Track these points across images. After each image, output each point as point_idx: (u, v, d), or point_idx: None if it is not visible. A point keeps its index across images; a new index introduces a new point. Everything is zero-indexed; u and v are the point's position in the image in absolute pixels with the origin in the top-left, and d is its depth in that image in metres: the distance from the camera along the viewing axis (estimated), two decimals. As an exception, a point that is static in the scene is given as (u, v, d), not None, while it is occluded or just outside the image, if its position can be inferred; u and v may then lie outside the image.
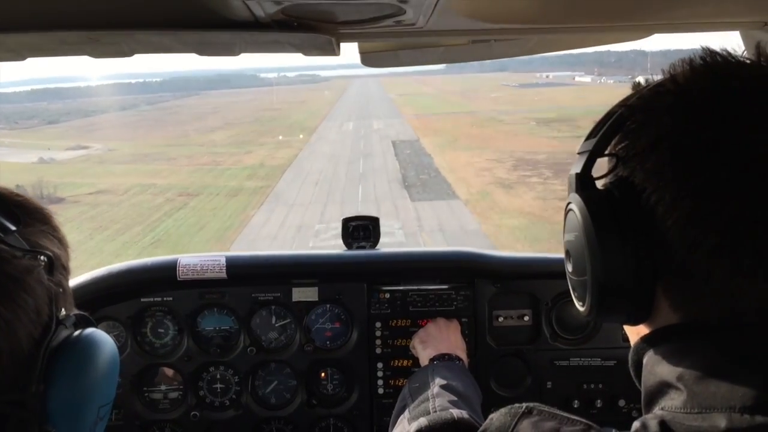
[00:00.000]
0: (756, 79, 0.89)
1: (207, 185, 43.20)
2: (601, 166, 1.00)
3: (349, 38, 1.59)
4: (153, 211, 35.92)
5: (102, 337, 1.04)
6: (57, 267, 1.01)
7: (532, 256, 2.66)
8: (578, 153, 1.03)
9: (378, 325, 2.54)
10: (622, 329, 1.85)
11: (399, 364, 2.55)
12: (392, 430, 1.80)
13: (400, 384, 2.52)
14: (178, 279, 2.48)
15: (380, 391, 2.56)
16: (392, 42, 1.80)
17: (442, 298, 2.54)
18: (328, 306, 2.57)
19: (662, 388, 0.89)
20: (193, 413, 2.55)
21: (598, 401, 2.49)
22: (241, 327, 2.56)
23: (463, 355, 2.19)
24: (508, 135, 59.99)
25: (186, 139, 72.14)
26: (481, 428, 1.02)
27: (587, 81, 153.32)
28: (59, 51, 1.52)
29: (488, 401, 2.09)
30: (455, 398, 1.74)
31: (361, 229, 2.70)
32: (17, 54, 1.53)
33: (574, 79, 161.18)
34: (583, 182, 0.99)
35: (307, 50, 1.56)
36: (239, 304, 2.54)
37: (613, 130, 0.97)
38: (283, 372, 2.59)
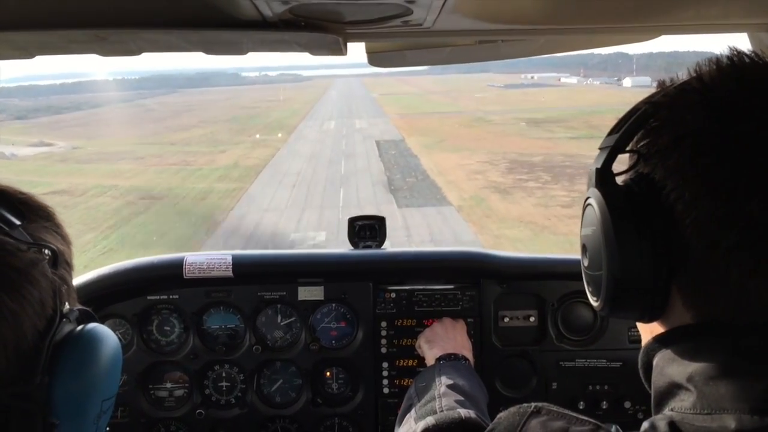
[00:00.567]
0: None
1: (174, 187, 39.53)
2: (622, 162, 1.00)
3: (356, 38, 1.60)
4: (111, 215, 32.33)
5: (105, 332, 1.05)
6: (61, 262, 1.02)
7: (538, 256, 2.64)
8: (600, 148, 1.03)
9: (383, 324, 2.55)
10: (629, 331, 2.35)
11: (404, 364, 2.56)
12: (398, 429, 1.80)
13: (405, 384, 2.53)
14: (185, 277, 2.49)
15: (385, 390, 2.56)
16: (399, 42, 1.81)
17: (447, 298, 2.55)
18: (333, 305, 2.59)
19: (672, 389, 0.89)
20: (198, 411, 2.56)
21: (604, 402, 2.48)
22: (247, 325, 2.57)
23: (469, 355, 2.20)
24: (498, 136, 57.05)
25: (157, 137, 68.32)
26: (489, 427, 1.03)
27: (573, 82, 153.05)
28: (68, 49, 1.54)
29: (494, 402, 2.03)
30: (462, 398, 1.74)
31: (367, 229, 2.70)
32: (26, 52, 1.55)
33: (559, 80, 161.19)
34: (604, 177, 0.98)
35: (314, 50, 1.59)
36: (245, 302, 2.55)
37: (636, 126, 0.97)
38: (288, 371, 2.61)
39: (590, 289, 1.05)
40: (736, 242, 0.83)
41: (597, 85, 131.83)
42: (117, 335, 1.09)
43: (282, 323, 2.60)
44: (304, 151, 53.09)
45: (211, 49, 1.56)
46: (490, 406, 1.88)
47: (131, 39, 1.46)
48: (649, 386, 0.98)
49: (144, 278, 2.56)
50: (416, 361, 2.54)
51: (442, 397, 1.76)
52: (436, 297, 2.56)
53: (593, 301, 1.04)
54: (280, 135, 64.22)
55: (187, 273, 2.50)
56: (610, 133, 1.03)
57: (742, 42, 1.69)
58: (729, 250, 0.84)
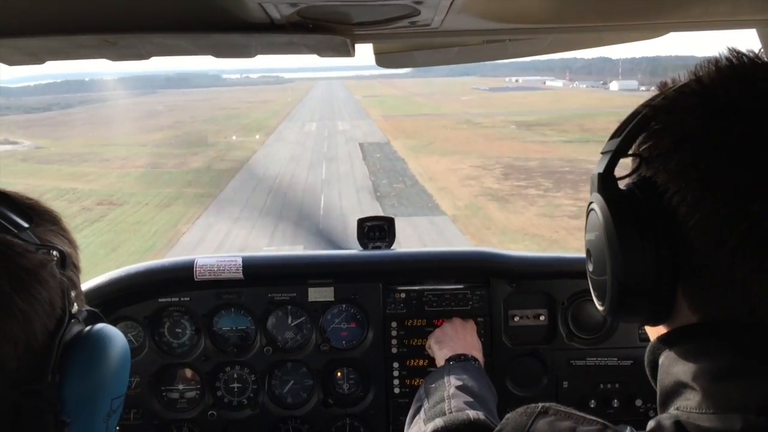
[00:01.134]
0: None
1: (136, 192, 35.92)
2: (625, 166, 1.00)
3: (364, 39, 1.60)
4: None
5: (113, 332, 1.07)
6: (68, 264, 1.03)
7: (548, 255, 2.66)
8: (602, 153, 1.03)
9: (393, 324, 2.56)
10: (640, 329, 2.34)
11: (415, 364, 2.56)
12: (408, 430, 1.81)
13: (415, 383, 2.53)
14: (195, 279, 2.50)
15: (396, 390, 2.56)
16: (407, 42, 1.82)
17: (457, 297, 2.55)
18: (343, 306, 2.59)
19: (678, 388, 0.90)
20: (210, 412, 2.57)
21: (615, 401, 2.48)
22: (258, 327, 2.58)
23: (479, 356, 2.20)
24: (488, 139, 54.14)
25: (127, 138, 64.47)
26: (497, 428, 1.03)
27: (558, 86, 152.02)
28: (77, 54, 1.55)
29: (504, 401, 2.03)
30: (471, 399, 1.75)
31: (376, 230, 2.70)
32: (36, 57, 1.57)
33: (544, 83, 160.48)
34: (606, 182, 0.99)
35: (322, 51, 1.59)
36: (256, 304, 2.57)
37: (637, 130, 0.97)
38: (299, 371, 2.61)
39: (596, 294, 1.05)
40: (740, 243, 0.83)
41: (583, 89, 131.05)
42: (129, 338, 1.14)
43: (292, 324, 2.60)
44: (283, 153, 49.76)
45: (219, 52, 1.58)
46: (500, 405, 1.87)
47: (140, 43, 1.48)
48: (656, 384, 0.97)
49: (155, 281, 2.56)
50: (427, 361, 2.53)
51: (452, 399, 1.75)
52: (445, 297, 2.55)
53: (599, 306, 1.04)
54: (258, 137, 61.20)
55: (198, 275, 2.50)
56: (611, 138, 1.02)
57: (750, 39, 1.68)
58: (733, 251, 0.84)
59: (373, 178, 37.56)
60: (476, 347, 2.31)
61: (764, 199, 0.82)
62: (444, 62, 1.99)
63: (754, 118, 0.86)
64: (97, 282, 2.50)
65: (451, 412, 1.68)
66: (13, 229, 0.97)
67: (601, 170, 1.00)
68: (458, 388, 1.82)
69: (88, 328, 1.04)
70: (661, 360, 0.97)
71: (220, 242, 25.49)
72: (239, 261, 2.52)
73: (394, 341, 2.57)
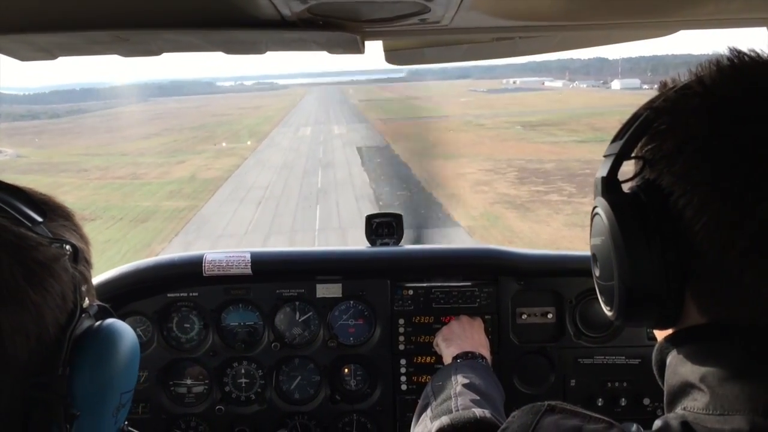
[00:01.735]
0: None
1: (111, 206, 32.38)
2: (628, 169, 0.99)
3: (374, 36, 1.60)
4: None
5: (123, 327, 1.08)
6: (80, 259, 1.04)
7: (556, 253, 2.67)
8: (604, 156, 1.02)
9: (401, 321, 2.56)
10: (647, 328, 2.08)
11: (422, 361, 2.56)
12: (415, 427, 1.81)
13: (423, 380, 2.53)
14: (204, 275, 2.51)
15: (403, 387, 2.57)
16: (417, 40, 1.81)
17: (465, 295, 2.55)
18: (351, 302, 2.59)
19: (685, 388, 0.90)
20: (218, 407, 2.58)
21: (623, 399, 2.48)
22: (266, 323, 2.59)
23: (487, 353, 2.20)
24: (495, 140, 50.82)
25: (110, 147, 60.96)
26: (502, 426, 1.03)
27: (557, 86, 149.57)
28: (90, 50, 1.56)
29: (511, 399, 2.06)
30: (477, 397, 1.75)
31: (384, 226, 2.71)
32: (49, 53, 1.57)
33: (543, 84, 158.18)
34: (610, 186, 0.98)
35: (332, 48, 1.59)
36: (264, 299, 2.57)
37: (640, 132, 0.96)
38: (306, 367, 2.62)
39: (603, 298, 1.04)
40: (748, 245, 0.82)
41: (584, 88, 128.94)
42: (138, 332, 1.13)
43: (300, 320, 2.61)
44: (275, 160, 46.25)
45: (230, 48, 1.58)
46: (508, 403, 1.89)
47: (152, 39, 1.48)
48: (663, 383, 0.97)
49: (164, 276, 2.58)
50: (434, 357, 2.53)
51: (458, 397, 1.76)
52: (453, 294, 2.55)
53: (607, 311, 1.03)
54: (249, 143, 57.81)
55: (207, 271, 2.51)
56: (613, 140, 1.02)
57: (761, 37, 1.66)
58: (741, 254, 0.83)
59: (374, 185, 33.96)
60: (484, 345, 2.29)
61: None
62: (453, 59, 1.99)
63: (757, 118, 0.84)
64: (107, 276, 2.51)
65: (457, 410, 1.68)
66: (27, 222, 0.97)
67: (604, 174, 0.99)
68: (465, 386, 1.81)
69: (98, 322, 1.05)
70: (668, 360, 0.96)
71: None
72: (248, 257, 2.53)
73: (401, 338, 2.56)
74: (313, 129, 68.47)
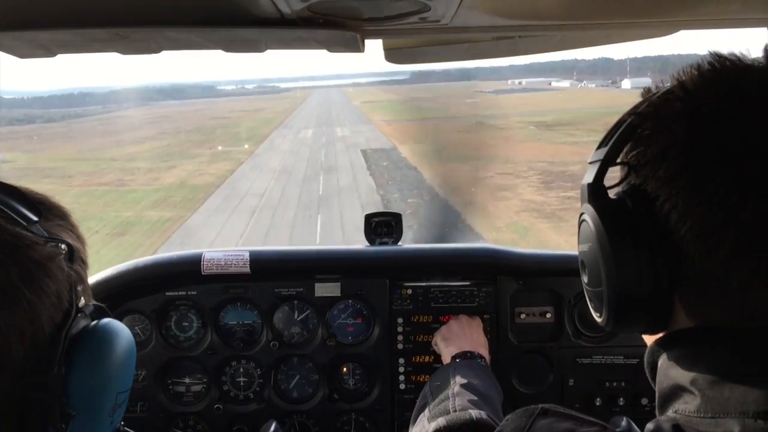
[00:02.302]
0: (765, 82, 0.89)
1: (90, 216, 29.06)
2: (614, 174, 1.00)
3: (374, 35, 1.60)
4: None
5: (119, 327, 1.08)
6: (76, 258, 1.04)
7: (555, 253, 2.66)
8: (589, 162, 1.03)
9: (400, 320, 2.55)
10: None
11: (420, 360, 2.55)
12: (412, 427, 1.82)
13: (421, 380, 2.53)
14: (203, 273, 2.50)
15: (402, 386, 2.56)
16: (417, 39, 1.80)
17: (464, 294, 2.54)
18: (350, 301, 2.59)
19: (676, 391, 0.90)
20: (216, 406, 2.57)
21: (621, 399, 2.47)
22: (264, 321, 2.58)
23: (486, 353, 2.20)
24: (510, 141, 47.59)
25: (100, 152, 57.79)
26: (496, 430, 1.03)
27: (565, 86, 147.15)
28: (89, 48, 1.56)
29: (510, 398, 2.08)
30: (475, 398, 1.75)
31: (383, 225, 2.69)
32: (48, 51, 1.57)
33: (550, 84, 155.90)
34: (596, 192, 0.99)
35: (332, 47, 1.59)
36: (262, 298, 2.57)
37: (624, 138, 0.97)
38: (305, 366, 2.62)
39: (593, 305, 1.04)
40: (733, 249, 0.83)
41: (593, 88, 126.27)
42: (136, 331, 1.13)
43: (299, 319, 2.60)
44: (274, 164, 43.06)
45: (230, 46, 1.57)
46: (506, 403, 1.90)
47: (152, 37, 1.48)
48: (655, 385, 0.98)
49: (163, 274, 2.57)
50: (432, 357, 2.52)
51: (456, 397, 1.76)
52: (452, 293, 2.55)
53: (597, 317, 1.03)
54: (246, 146, 54.81)
55: (205, 269, 2.51)
56: (599, 147, 1.02)
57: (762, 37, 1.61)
58: (728, 258, 0.83)
59: (382, 192, 30.82)
60: (482, 344, 2.29)
61: (755, 204, 0.81)
62: (453, 58, 1.97)
63: (738, 122, 0.85)
64: (105, 275, 2.51)
65: (455, 411, 1.68)
66: (22, 222, 0.97)
67: (590, 180, 0.99)
68: (463, 386, 1.82)
69: (94, 322, 1.04)
70: (659, 362, 0.96)
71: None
72: (246, 255, 2.53)
73: (400, 337, 2.56)
74: (315, 131, 65.42)
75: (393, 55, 1.88)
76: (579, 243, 1.06)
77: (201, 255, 2.53)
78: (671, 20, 1.70)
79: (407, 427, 1.93)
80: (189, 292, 2.55)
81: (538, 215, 25.35)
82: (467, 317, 2.46)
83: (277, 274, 2.59)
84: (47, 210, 1.06)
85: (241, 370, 2.61)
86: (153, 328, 2.55)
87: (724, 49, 0.93)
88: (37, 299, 0.92)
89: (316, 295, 2.55)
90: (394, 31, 1.58)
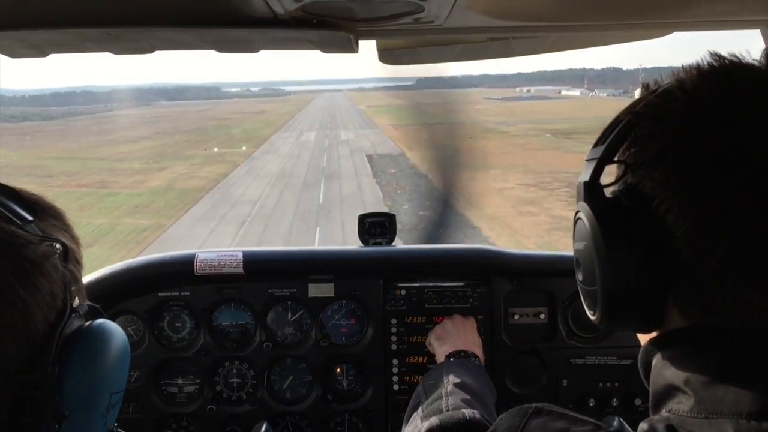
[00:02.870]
0: (765, 84, 0.89)
1: (60, 222, 25.86)
2: (610, 173, 0.99)
3: (368, 35, 1.61)
4: None
5: (113, 328, 1.08)
6: (71, 258, 1.04)
7: (549, 253, 2.66)
8: (586, 160, 1.03)
9: (393, 321, 2.55)
10: None
11: (414, 361, 2.55)
12: (405, 426, 1.80)
13: (415, 380, 2.52)
14: (196, 274, 2.49)
15: (395, 387, 2.56)
16: (410, 39, 1.80)
17: (457, 295, 2.54)
18: (343, 302, 2.58)
19: (670, 391, 0.90)
20: (209, 407, 2.56)
21: (614, 400, 2.48)
22: (258, 322, 2.57)
23: (480, 353, 2.19)
24: (526, 149, 45.00)
25: (88, 151, 54.95)
26: (490, 429, 1.03)
27: (575, 94, 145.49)
28: (81, 48, 1.56)
29: (503, 399, 2.07)
30: (468, 397, 1.75)
31: (377, 226, 2.67)
32: (39, 51, 1.57)
33: (560, 92, 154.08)
34: (592, 191, 0.99)
35: (326, 47, 1.59)
36: (256, 299, 2.56)
37: (621, 137, 0.96)
38: (298, 367, 2.61)
39: (587, 303, 1.04)
40: (728, 252, 0.83)
41: (604, 97, 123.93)
42: (129, 331, 1.12)
43: (292, 320, 2.59)
44: (271, 168, 40.01)
45: (223, 47, 1.57)
46: (499, 403, 1.88)
47: (144, 37, 1.48)
48: (649, 385, 0.98)
49: (155, 275, 2.56)
50: (426, 357, 2.53)
51: (449, 396, 1.75)
52: (446, 294, 2.54)
53: (591, 315, 1.03)
54: (244, 148, 52.28)
55: (198, 270, 2.50)
56: (595, 145, 1.02)
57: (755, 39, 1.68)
58: (722, 260, 0.83)
59: (390, 202, 27.56)
60: (477, 344, 2.28)
61: (750, 208, 0.82)
62: (447, 59, 1.96)
63: (738, 125, 0.84)
64: (98, 275, 2.48)
65: (448, 410, 1.68)
66: (17, 221, 0.97)
67: (586, 179, 0.99)
68: (456, 385, 1.81)
69: (88, 323, 1.04)
70: (653, 362, 0.96)
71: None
72: (240, 256, 2.52)
73: (393, 338, 2.55)
74: (318, 134, 62.43)
75: (386, 55, 1.88)
76: (574, 241, 1.04)
77: (194, 255, 2.51)
78: (664, 21, 1.71)
79: (401, 428, 1.90)
80: (182, 293, 2.52)
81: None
82: (462, 317, 2.45)
83: (271, 274, 2.57)
84: (42, 210, 1.06)
85: (235, 370, 2.58)
86: (146, 329, 2.53)
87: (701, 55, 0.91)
88: (32, 298, 0.91)
89: (309, 295, 2.54)
90: (387, 31, 1.59)
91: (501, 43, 1.82)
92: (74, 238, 1.11)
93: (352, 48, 1.54)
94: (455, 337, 2.24)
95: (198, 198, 30.64)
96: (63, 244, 1.01)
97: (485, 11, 1.43)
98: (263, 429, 2.10)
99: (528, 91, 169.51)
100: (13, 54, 1.58)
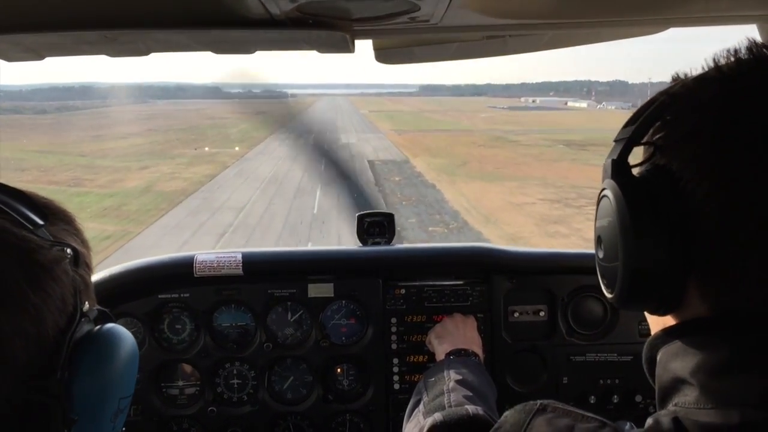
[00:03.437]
0: None
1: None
2: (637, 156, 0.99)
3: (364, 35, 1.60)
4: None
5: (123, 332, 1.07)
6: (81, 263, 1.03)
7: (548, 251, 2.64)
8: (615, 141, 1.02)
9: (393, 320, 2.54)
10: (639, 325, 2.38)
11: (415, 360, 2.54)
12: (407, 423, 1.79)
13: (415, 379, 2.50)
14: (195, 275, 2.48)
15: (396, 386, 2.55)
16: (406, 38, 1.79)
17: (457, 293, 2.53)
18: (343, 302, 2.56)
19: (676, 384, 0.89)
20: (210, 409, 2.55)
21: (615, 397, 2.47)
22: (258, 323, 2.56)
23: (479, 351, 2.17)
24: (540, 160, 41.78)
25: (70, 146, 51.65)
26: (495, 425, 1.03)
27: (582, 106, 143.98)
28: (77, 50, 1.55)
29: (504, 397, 2.06)
30: (470, 394, 1.73)
31: (376, 225, 2.66)
32: (36, 53, 1.57)
33: (566, 103, 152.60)
34: (620, 169, 0.98)
35: (322, 47, 1.59)
36: (255, 300, 2.54)
37: (654, 117, 0.96)
38: (299, 368, 2.59)
39: (605, 281, 1.03)
40: (755, 233, 0.83)
41: (612, 110, 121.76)
42: None
43: (292, 320, 2.57)
44: (263, 171, 36.67)
45: (219, 48, 1.57)
46: (500, 401, 1.87)
47: (140, 39, 1.48)
48: (653, 381, 0.97)
49: (155, 277, 2.54)
50: (426, 356, 2.52)
51: (451, 393, 1.74)
52: (445, 293, 2.53)
53: (608, 293, 1.02)
54: (237, 148, 48.97)
55: (198, 271, 2.48)
56: (626, 125, 1.02)
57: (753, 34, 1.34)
58: (748, 242, 0.83)
59: (395, 215, 23.97)
60: (477, 343, 2.27)
61: None
62: (443, 58, 1.95)
63: None
64: (97, 278, 2.45)
65: (450, 406, 1.67)
66: (28, 225, 0.97)
67: (614, 157, 0.99)
68: (458, 382, 1.80)
69: (98, 327, 1.04)
70: (659, 356, 0.95)
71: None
72: (239, 257, 2.50)
73: (393, 337, 2.54)
74: (317, 137, 58.99)
75: (383, 55, 1.87)
76: (597, 219, 1.04)
77: (193, 257, 2.50)
78: (660, 18, 1.70)
79: (402, 427, 1.89)
80: (181, 295, 2.51)
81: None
82: (461, 315, 2.44)
83: (270, 275, 2.56)
84: (52, 214, 1.06)
85: (235, 372, 2.58)
86: (146, 331, 2.52)
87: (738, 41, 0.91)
88: (42, 303, 0.91)
89: (309, 296, 2.53)
90: (383, 31, 1.59)
91: (497, 42, 1.80)
92: (84, 243, 1.09)
93: (348, 48, 1.54)
94: (455, 335, 2.23)
95: (176, 202, 27.50)
96: (74, 249, 1.00)
97: (481, 9, 1.43)
98: None
99: (534, 101, 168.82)
100: (9, 58, 1.58)
